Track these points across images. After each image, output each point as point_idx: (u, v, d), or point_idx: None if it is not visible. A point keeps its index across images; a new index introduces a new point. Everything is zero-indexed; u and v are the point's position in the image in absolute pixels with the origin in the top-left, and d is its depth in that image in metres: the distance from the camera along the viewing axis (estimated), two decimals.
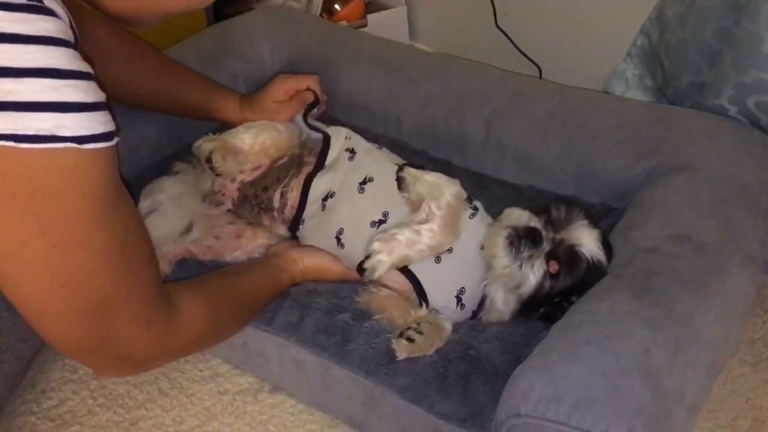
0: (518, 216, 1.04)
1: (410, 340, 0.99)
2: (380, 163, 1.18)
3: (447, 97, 1.41)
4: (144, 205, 1.18)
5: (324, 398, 1.12)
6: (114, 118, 0.71)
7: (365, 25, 2.02)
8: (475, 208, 1.12)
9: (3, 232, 0.67)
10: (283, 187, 1.20)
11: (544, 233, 1.02)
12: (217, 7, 2.07)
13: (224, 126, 1.32)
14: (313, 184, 1.18)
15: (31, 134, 0.63)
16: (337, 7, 2.02)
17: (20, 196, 0.65)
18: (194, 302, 0.90)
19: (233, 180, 1.23)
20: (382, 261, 1.03)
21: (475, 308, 1.10)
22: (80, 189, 0.69)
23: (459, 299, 1.08)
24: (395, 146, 1.42)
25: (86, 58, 0.68)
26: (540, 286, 1.01)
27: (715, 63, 1.29)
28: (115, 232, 0.74)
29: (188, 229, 1.20)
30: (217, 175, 1.21)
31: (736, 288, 0.96)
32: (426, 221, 1.04)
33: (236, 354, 1.19)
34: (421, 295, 1.08)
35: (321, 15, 2.00)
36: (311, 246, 1.17)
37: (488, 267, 1.05)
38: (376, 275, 1.04)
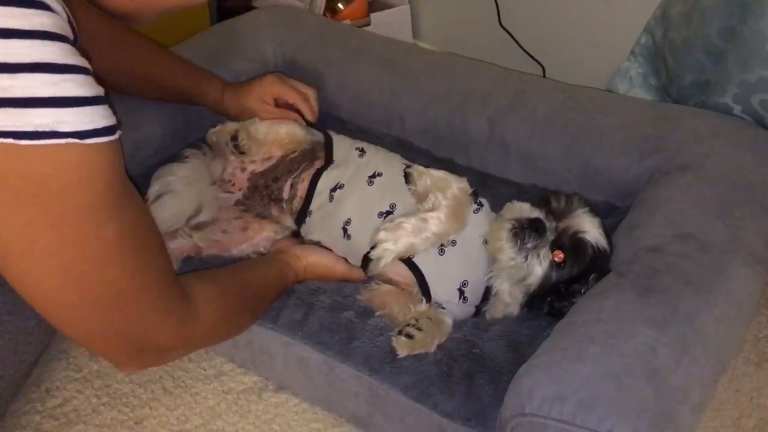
0: (520, 208, 1.05)
1: (409, 336, 0.99)
2: (389, 161, 1.20)
3: (450, 95, 1.41)
4: (154, 188, 1.20)
5: (328, 396, 1.12)
6: (115, 112, 0.71)
7: (368, 24, 2.02)
8: (480, 204, 1.13)
9: (11, 229, 0.67)
10: (294, 178, 1.22)
11: (546, 223, 1.02)
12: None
13: (218, 114, 1.33)
14: (322, 177, 1.19)
15: (31, 131, 0.62)
16: (340, 5, 2.02)
17: (24, 193, 0.65)
18: (207, 292, 0.90)
19: (243, 169, 1.24)
20: (389, 249, 1.04)
21: (478, 302, 1.10)
22: (86, 184, 0.68)
23: (462, 292, 1.08)
24: (398, 145, 1.43)
25: (84, 55, 0.68)
26: (547, 276, 1.02)
27: (719, 62, 1.29)
28: (124, 224, 0.74)
29: (197, 211, 1.22)
30: (242, 153, 1.22)
31: (740, 287, 0.96)
32: (432, 209, 1.05)
33: (240, 352, 1.19)
34: (424, 288, 1.08)
35: (324, 14, 2.00)
36: (314, 245, 1.18)
37: (493, 260, 1.06)
38: (382, 264, 1.05)
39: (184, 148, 1.35)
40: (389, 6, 2.10)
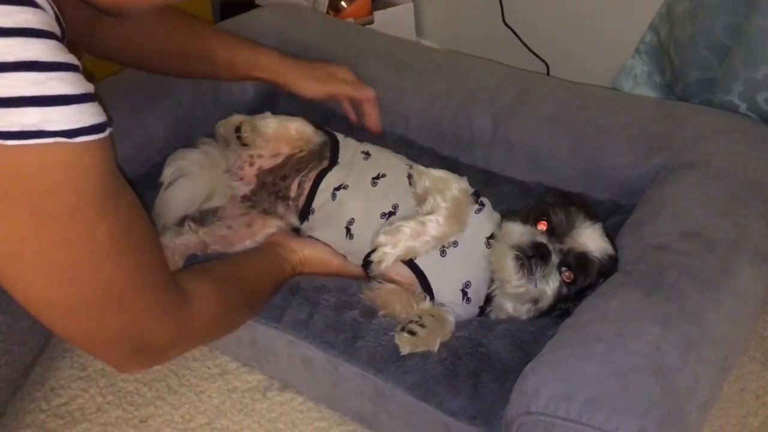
0: (520, 233, 1.02)
1: (412, 333, 0.99)
2: (394, 162, 1.20)
3: (454, 94, 1.40)
4: (168, 171, 1.21)
5: (333, 395, 1.12)
6: (105, 109, 0.70)
7: (372, 22, 2.02)
8: (482, 204, 1.12)
9: (1, 230, 0.66)
10: (302, 176, 1.22)
11: (550, 246, 1.00)
12: None
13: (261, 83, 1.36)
14: (326, 177, 1.19)
15: (17, 131, 0.61)
16: (343, 4, 2.02)
17: (12, 193, 0.64)
18: (204, 288, 0.90)
19: (252, 164, 1.24)
20: (388, 253, 1.04)
21: (481, 303, 1.10)
22: (77, 183, 0.67)
23: (465, 293, 1.08)
24: (402, 143, 1.43)
25: (73, 51, 0.67)
26: (558, 294, 1.01)
27: (724, 59, 1.29)
28: (117, 223, 0.73)
29: (209, 197, 1.23)
30: (244, 145, 1.22)
31: (746, 285, 0.96)
32: (431, 212, 1.05)
33: (245, 351, 1.19)
34: (427, 288, 1.08)
35: (327, 12, 1.99)
36: (310, 238, 1.18)
37: (496, 278, 1.05)
38: (382, 267, 1.05)
39: (187, 147, 1.35)
40: (393, 4, 2.10)
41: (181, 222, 1.20)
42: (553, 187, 1.30)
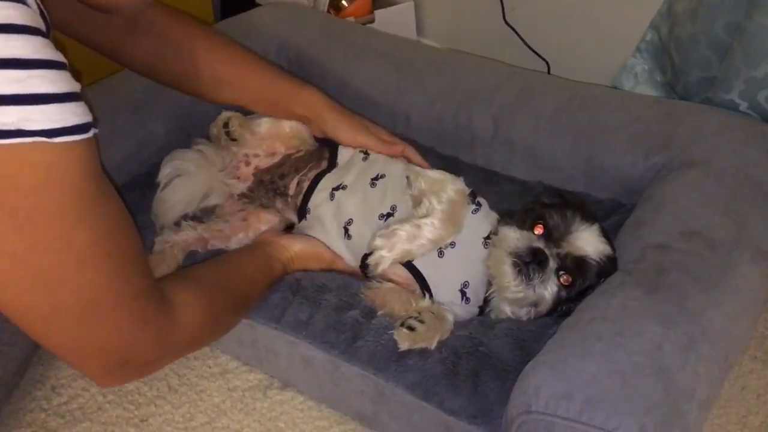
0: (517, 239, 1.02)
1: (411, 328, 0.99)
2: (392, 163, 1.21)
3: (455, 93, 1.40)
4: (165, 171, 1.21)
5: (333, 395, 1.12)
6: (91, 109, 0.67)
7: (372, 21, 2.01)
8: (479, 204, 1.12)
9: None
10: (301, 176, 1.22)
11: (547, 251, 1.00)
12: None
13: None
14: (323, 179, 1.19)
15: None
16: (344, 3, 2.02)
17: None
18: (190, 295, 0.87)
19: (248, 163, 1.25)
20: (384, 256, 1.04)
21: (481, 303, 1.10)
22: (56, 185, 0.65)
23: (464, 293, 1.08)
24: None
25: (60, 48, 0.65)
26: (557, 297, 1.01)
27: (725, 58, 1.29)
28: (98, 228, 0.70)
29: (206, 195, 1.23)
30: (233, 140, 1.22)
31: (747, 284, 0.96)
32: (426, 215, 1.05)
33: (245, 350, 1.19)
34: (426, 289, 1.08)
35: (328, 11, 1.99)
36: (300, 234, 1.18)
37: (495, 282, 1.05)
38: (379, 270, 1.06)
39: (188, 147, 1.35)
40: (393, 3, 2.10)
41: (178, 222, 1.20)
42: (550, 187, 1.30)
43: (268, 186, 1.23)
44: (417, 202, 1.08)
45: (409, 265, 1.08)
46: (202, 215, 1.24)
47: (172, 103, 1.36)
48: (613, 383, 0.80)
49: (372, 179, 1.16)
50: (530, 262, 1.00)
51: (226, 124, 1.22)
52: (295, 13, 1.65)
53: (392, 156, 1.23)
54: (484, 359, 0.99)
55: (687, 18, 1.37)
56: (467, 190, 1.10)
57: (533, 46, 1.89)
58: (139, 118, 1.32)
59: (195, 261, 1.15)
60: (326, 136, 1.27)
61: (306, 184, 1.21)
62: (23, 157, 0.62)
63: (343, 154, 1.23)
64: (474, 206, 1.11)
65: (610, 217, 1.22)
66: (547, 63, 1.88)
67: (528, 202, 1.12)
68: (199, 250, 1.18)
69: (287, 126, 1.25)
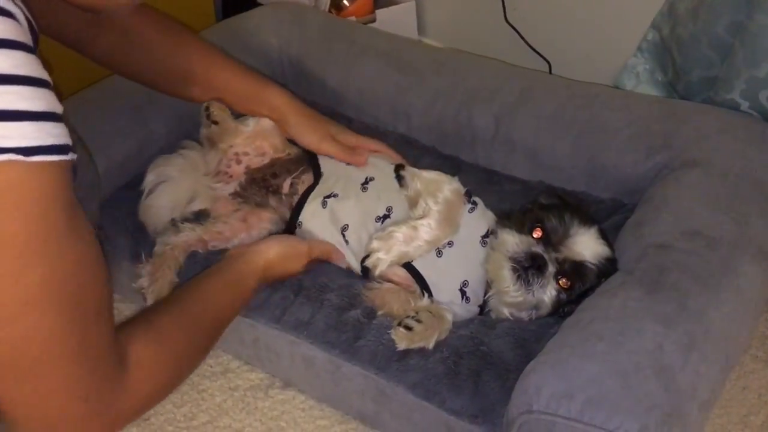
0: (516, 243, 1.02)
1: (408, 328, 0.99)
2: (377, 165, 1.21)
3: (456, 92, 1.40)
4: (150, 178, 1.21)
5: (335, 394, 1.12)
6: (72, 130, 0.63)
7: (374, 21, 2.01)
8: (474, 203, 1.13)
9: None
10: (293, 178, 1.22)
11: (546, 256, 1.01)
12: None
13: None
14: (313, 192, 1.19)
15: None
16: (345, 2, 2.01)
17: None
18: (150, 351, 0.78)
19: (239, 162, 1.25)
20: (382, 259, 1.05)
21: (481, 302, 1.10)
22: (22, 209, 0.59)
23: (463, 292, 1.09)
24: (404, 142, 1.43)
25: (46, 66, 0.61)
26: (557, 300, 1.01)
27: (727, 57, 1.29)
28: (57, 268, 0.62)
29: (191, 200, 1.23)
30: (214, 122, 1.22)
31: (748, 284, 0.96)
32: (423, 217, 1.05)
33: (247, 350, 1.19)
34: (425, 289, 1.08)
35: (329, 10, 1.99)
36: (274, 234, 1.17)
37: (494, 286, 1.06)
38: (377, 272, 1.06)
39: None
40: (395, 2, 2.10)
41: (176, 225, 1.20)
42: (549, 187, 1.30)
43: (260, 184, 1.23)
44: (413, 203, 1.09)
45: (408, 266, 1.08)
46: (196, 218, 1.23)
47: (173, 103, 1.35)
48: (614, 383, 0.80)
49: (362, 184, 1.16)
50: (529, 267, 1.00)
51: (207, 108, 1.23)
52: (296, 13, 1.65)
53: (355, 165, 1.21)
54: (486, 359, 0.99)
55: (688, 17, 1.37)
56: (463, 190, 1.10)
57: (534, 45, 1.89)
58: (141, 117, 1.32)
59: (196, 262, 1.15)
60: (291, 138, 1.25)
61: (300, 187, 1.20)
62: None
63: (325, 163, 1.22)
64: (470, 205, 1.11)
65: (611, 217, 1.22)
66: (549, 63, 1.88)
67: (525, 203, 1.13)
68: (200, 251, 1.18)
69: (270, 123, 1.25)
